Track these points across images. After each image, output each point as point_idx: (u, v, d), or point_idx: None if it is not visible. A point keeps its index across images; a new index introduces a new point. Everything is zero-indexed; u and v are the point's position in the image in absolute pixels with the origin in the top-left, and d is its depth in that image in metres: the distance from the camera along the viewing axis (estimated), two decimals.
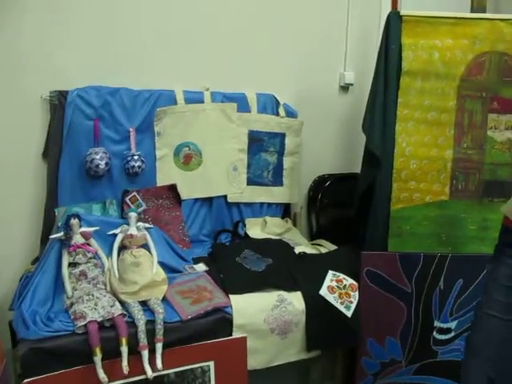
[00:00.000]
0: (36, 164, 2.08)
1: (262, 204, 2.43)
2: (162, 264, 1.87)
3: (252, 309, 1.79)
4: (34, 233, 2.09)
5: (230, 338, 1.75)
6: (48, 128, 2.05)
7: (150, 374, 1.58)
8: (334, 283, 1.94)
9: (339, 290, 1.93)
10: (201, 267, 1.99)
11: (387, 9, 2.52)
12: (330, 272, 1.98)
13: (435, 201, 2.03)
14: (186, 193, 2.24)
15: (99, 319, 1.57)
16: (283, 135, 2.41)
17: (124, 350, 1.56)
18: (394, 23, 1.96)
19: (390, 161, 2.00)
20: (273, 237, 2.29)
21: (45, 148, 2.06)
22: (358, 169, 2.61)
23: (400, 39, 1.95)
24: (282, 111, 2.40)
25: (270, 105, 2.39)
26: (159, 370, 1.61)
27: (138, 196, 2.11)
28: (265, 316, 1.80)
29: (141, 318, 1.61)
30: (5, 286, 2.04)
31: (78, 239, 1.75)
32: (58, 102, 2.02)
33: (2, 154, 2.01)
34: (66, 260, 1.73)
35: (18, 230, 2.09)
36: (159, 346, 1.61)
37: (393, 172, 2.00)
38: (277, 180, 2.44)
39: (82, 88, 2.03)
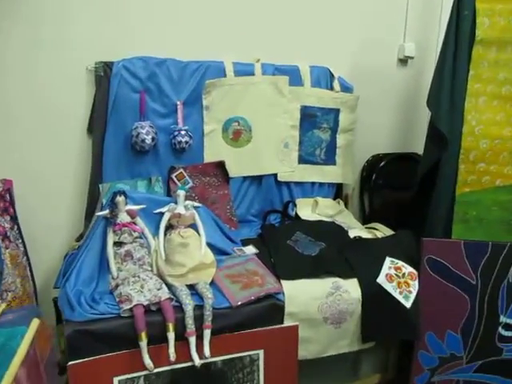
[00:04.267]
0: (81, 138, 2.00)
1: (313, 184, 2.30)
2: (209, 245, 1.78)
3: (305, 296, 1.69)
4: (78, 208, 2.03)
5: (281, 326, 1.66)
6: (93, 101, 1.97)
7: (197, 361, 1.51)
8: (393, 271, 1.81)
9: (398, 279, 1.80)
10: (250, 250, 1.89)
11: None
12: (388, 259, 1.85)
13: (506, 185, 1.88)
14: (234, 170, 2.13)
15: (145, 303, 1.50)
16: (337, 111, 2.26)
17: (171, 336, 1.49)
18: None
19: (457, 140, 1.87)
20: (325, 219, 2.17)
21: (89, 122, 1.99)
22: (416, 148, 2.47)
23: (474, 4, 1.79)
24: (336, 85, 2.24)
25: (323, 78, 2.23)
26: (206, 358, 1.53)
27: (184, 173, 2.02)
28: (318, 304, 1.70)
29: (189, 303, 1.52)
30: (49, 263, 2.01)
31: (123, 217, 1.68)
32: (104, 74, 1.92)
33: (48, 127, 1.95)
34: (111, 239, 1.66)
35: (63, 206, 2.04)
36: (207, 333, 1.53)
37: (460, 152, 1.87)
38: (329, 158, 2.30)
39: (128, 59, 1.93)
